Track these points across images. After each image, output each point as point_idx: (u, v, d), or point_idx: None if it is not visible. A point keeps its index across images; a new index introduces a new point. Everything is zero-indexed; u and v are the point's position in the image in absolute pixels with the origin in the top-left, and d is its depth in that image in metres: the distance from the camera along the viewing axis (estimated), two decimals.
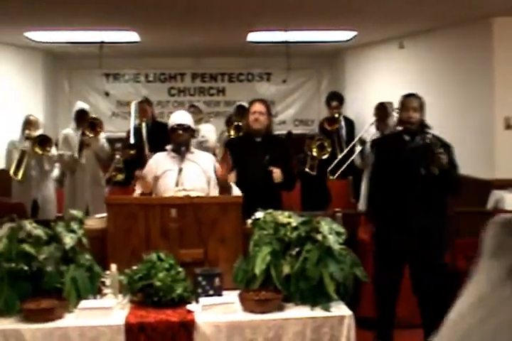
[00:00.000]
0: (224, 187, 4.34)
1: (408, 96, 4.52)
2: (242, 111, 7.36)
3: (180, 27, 7.21)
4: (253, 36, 7.94)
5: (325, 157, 7.01)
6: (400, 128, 4.60)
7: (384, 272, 4.48)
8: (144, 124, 6.85)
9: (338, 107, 8.05)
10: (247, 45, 8.62)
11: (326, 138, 7.14)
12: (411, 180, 4.36)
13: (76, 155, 6.55)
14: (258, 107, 5.01)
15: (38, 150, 6.56)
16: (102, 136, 6.74)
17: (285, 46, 8.04)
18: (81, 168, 6.66)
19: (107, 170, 6.86)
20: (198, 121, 7.13)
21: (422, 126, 4.45)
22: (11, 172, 6.56)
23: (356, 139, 7.60)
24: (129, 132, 6.90)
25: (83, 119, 6.70)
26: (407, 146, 4.40)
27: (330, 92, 8.65)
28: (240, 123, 7.22)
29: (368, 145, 7.01)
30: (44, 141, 6.62)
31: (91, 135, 6.55)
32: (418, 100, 4.48)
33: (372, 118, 7.18)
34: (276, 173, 4.84)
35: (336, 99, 8.05)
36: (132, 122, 7.05)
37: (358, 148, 7.36)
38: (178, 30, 7.44)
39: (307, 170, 6.89)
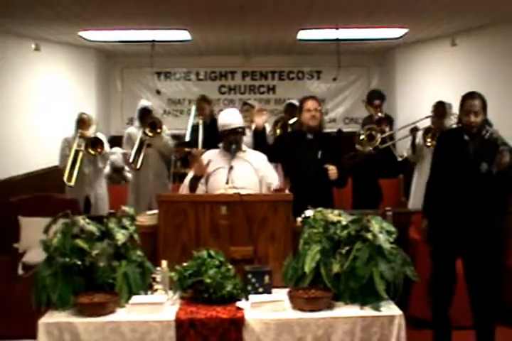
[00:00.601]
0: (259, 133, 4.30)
1: (469, 99, 4.28)
2: (291, 110, 7.34)
3: (231, 25, 7.25)
4: (304, 34, 7.92)
5: (371, 147, 6.88)
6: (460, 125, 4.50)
7: (438, 270, 4.41)
8: (201, 122, 6.91)
9: (381, 105, 7.96)
10: (298, 43, 8.61)
11: (375, 128, 7.03)
12: (470, 176, 4.26)
13: (132, 157, 6.64)
14: (313, 104, 5.02)
15: (91, 151, 6.70)
16: (166, 133, 6.80)
17: (335, 44, 8.01)
18: (145, 164, 6.74)
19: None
20: (252, 121, 7.16)
21: (484, 125, 4.34)
22: (65, 177, 6.69)
23: (402, 126, 7.48)
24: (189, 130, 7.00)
25: (147, 117, 6.80)
26: (467, 145, 4.31)
27: (371, 90, 8.49)
28: (288, 122, 7.19)
29: (419, 134, 6.91)
30: (96, 143, 6.74)
31: (150, 134, 6.66)
32: (480, 101, 4.25)
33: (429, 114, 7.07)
34: (332, 170, 4.82)
35: (378, 97, 7.95)
36: (191, 120, 7.12)
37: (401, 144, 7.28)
38: (229, 28, 7.47)
39: (357, 146, 6.81)
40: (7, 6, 5.70)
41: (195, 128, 6.86)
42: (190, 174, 4.49)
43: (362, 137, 6.84)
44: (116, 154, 7.83)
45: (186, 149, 6.76)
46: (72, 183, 6.68)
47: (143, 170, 6.81)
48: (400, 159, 7.37)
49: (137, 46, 8.58)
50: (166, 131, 6.87)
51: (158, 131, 6.69)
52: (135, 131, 6.91)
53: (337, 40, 7.87)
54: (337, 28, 7.41)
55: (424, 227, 4.56)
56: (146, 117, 6.83)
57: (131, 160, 6.66)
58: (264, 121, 5.22)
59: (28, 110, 7.70)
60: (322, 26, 7.38)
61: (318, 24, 7.22)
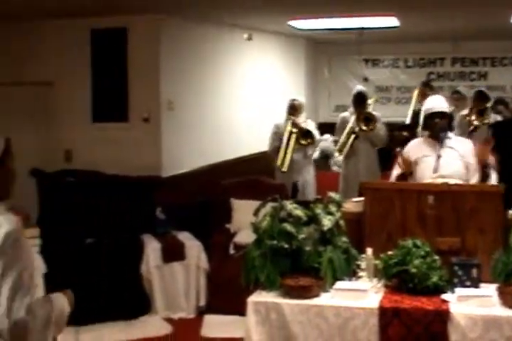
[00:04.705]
0: (483, 167, 4.17)
1: None
2: (481, 97, 6.99)
3: (440, 10, 7.03)
4: None
5: None
6: None
7: None
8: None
9: None
10: (511, 27, 8.17)
11: None
12: None
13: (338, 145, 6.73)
14: None
15: (302, 141, 6.83)
16: (380, 122, 6.81)
17: None
18: (354, 154, 6.82)
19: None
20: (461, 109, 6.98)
21: None
22: (278, 162, 6.92)
23: None
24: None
25: (361, 102, 6.88)
26: None
27: None
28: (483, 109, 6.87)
29: None
30: (307, 135, 6.88)
31: (364, 128, 6.68)
32: None
33: None
34: None
35: None
36: (412, 106, 7.09)
37: None
38: (438, 13, 7.26)
39: None
40: None
41: (416, 114, 6.81)
42: (397, 170, 4.45)
43: None
44: (327, 141, 7.95)
45: (405, 133, 6.72)
46: (285, 169, 6.87)
47: (352, 160, 6.84)
48: None
49: (345, 34, 8.61)
50: (381, 120, 6.83)
51: (371, 127, 6.66)
52: (348, 115, 6.96)
53: None
54: None
55: None
56: (360, 104, 6.84)
57: (337, 147, 6.73)
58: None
59: (240, 97, 8.02)
60: None
61: None
